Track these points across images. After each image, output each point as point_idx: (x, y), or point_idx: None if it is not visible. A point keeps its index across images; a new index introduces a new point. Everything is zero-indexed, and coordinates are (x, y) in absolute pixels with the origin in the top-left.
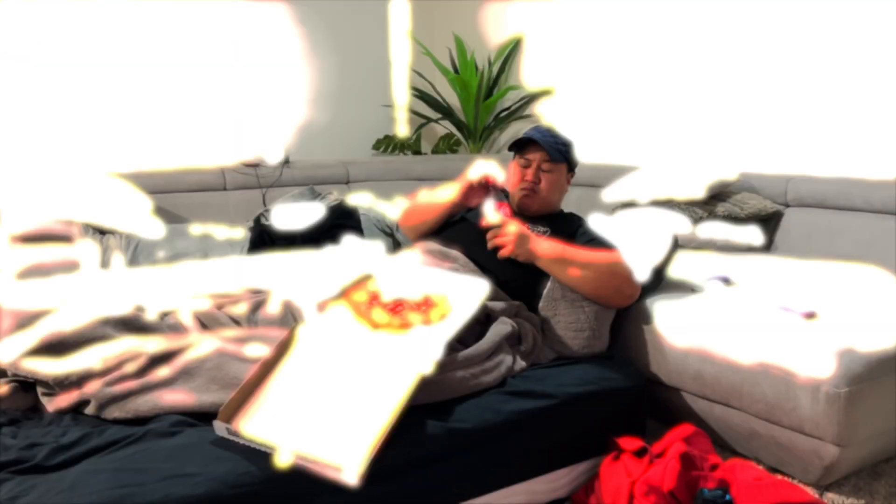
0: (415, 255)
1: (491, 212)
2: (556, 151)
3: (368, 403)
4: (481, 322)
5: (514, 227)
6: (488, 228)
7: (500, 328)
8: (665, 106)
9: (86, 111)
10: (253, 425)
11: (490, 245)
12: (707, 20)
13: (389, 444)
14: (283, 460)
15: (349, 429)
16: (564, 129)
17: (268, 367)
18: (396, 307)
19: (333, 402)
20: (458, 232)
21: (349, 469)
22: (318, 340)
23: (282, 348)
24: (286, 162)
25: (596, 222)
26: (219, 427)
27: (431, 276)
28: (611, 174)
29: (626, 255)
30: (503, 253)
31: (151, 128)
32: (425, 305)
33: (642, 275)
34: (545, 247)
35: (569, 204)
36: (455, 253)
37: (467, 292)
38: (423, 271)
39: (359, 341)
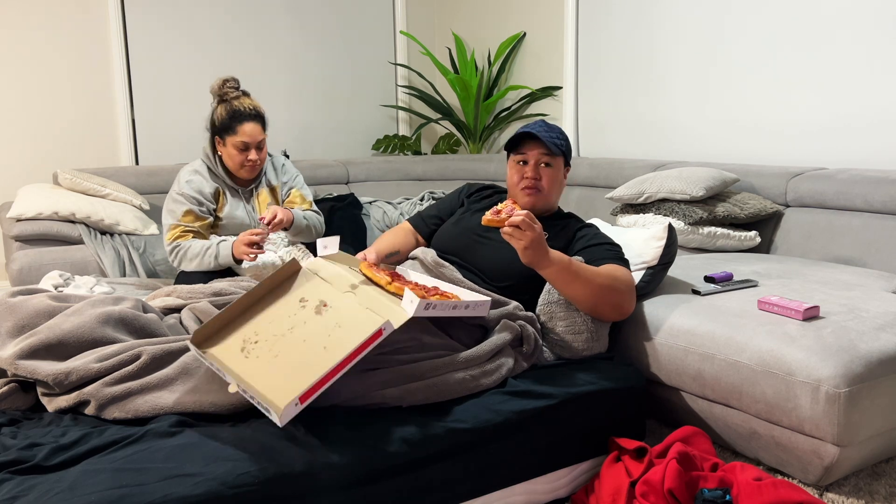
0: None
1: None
2: (554, 145)
3: (327, 351)
4: (482, 324)
5: (533, 233)
6: (487, 230)
7: (502, 330)
8: (668, 104)
9: None
10: (220, 352)
11: (506, 230)
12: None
13: (389, 442)
14: (232, 388)
15: (295, 371)
16: (567, 126)
17: (251, 299)
18: (414, 285)
19: (297, 343)
20: (457, 233)
21: (275, 407)
22: (312, 282)
23: (278, 279)
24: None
25: (596, 224)
26: (191, 346)
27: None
28: (612, 172)
29: (625, 263)
30: (518, 243)
31: (153, 127)
32: (435, 292)
33: (638, 278)
34: (555, 257)
35: (568, 203)
36: (447, 265)
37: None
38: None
39: (350, 291)
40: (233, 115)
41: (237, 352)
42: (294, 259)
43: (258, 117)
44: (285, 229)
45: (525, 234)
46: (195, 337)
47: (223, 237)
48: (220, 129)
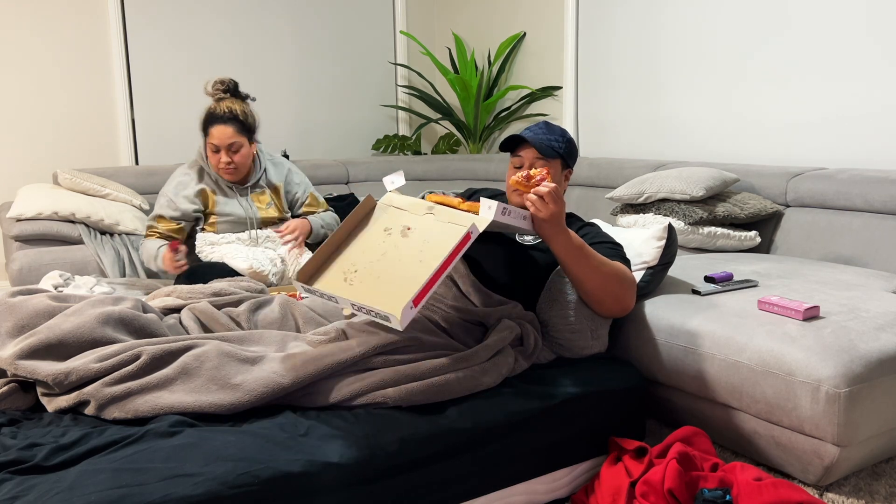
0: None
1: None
2: (548, 148)
3: (423, 263)
4: (482, 323)
5: (554, 206)
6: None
7: (502, 329)
8: (669, 103)
9: None
10: (324, 285)
11: (530, 196)
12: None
13: (389, 442)
14: (346, 311)
15: (400, 283)
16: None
17: (338, 239)
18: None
19: (393, 263)
20: None
21: (393, 315)
22: (389, 213)
23: (358, 216)
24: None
25: (597, 224)
26: (297, 285)
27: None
28: (612, 172)
29: (627, 263)
30: (538, 213)
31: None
32: None
33: (638, 278)
34: (570, 234)
35: (568, 203)
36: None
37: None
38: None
39: (428, 212)
40: (207, 117)
41: (341, 282)
42: (369, 196)
43: (231, 120)
44: (307, 244)
45: (547, 207)
46: (300, 275)
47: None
48: (202, 131)
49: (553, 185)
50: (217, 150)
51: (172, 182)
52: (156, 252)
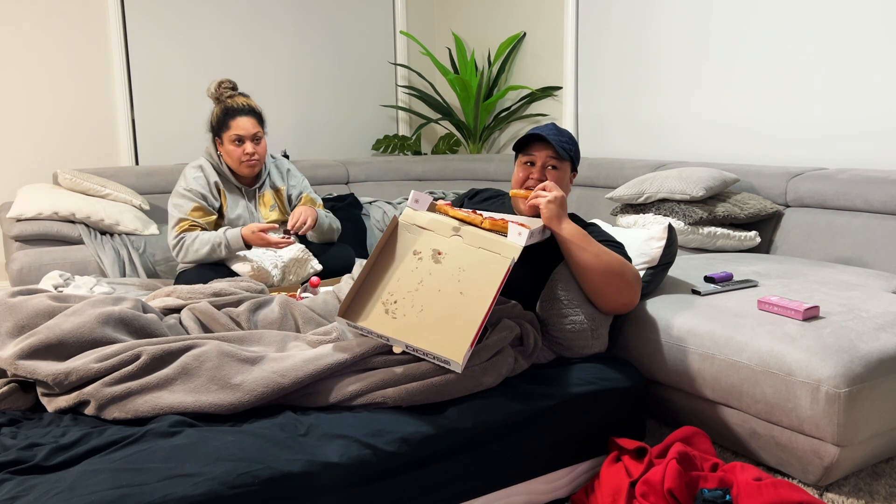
0: None
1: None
2: (562, 148)
3: (465, 296)
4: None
5: (558, 192)
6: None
7: (502, 329)
8: (667, 102)
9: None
10: (369, 322)
11: (531, 197)
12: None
13: (389, 442)
14: (398, 349)
15: (449, 320)
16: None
17: (368, 266)
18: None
19: (433, 293)
20: None
21: (454, 361)
22: (415, 234)
23: (384, 238)
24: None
25: (598, 224)
26: (340, 321)
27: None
28: (612, 172)
29: (629, 261)
30: (546, 198)
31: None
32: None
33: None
34: (574, 224)
35: (568, 204)
36: None
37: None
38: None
39: (455, 234)
40: (226, 112)
41: (383, 315)
42: (394, 217)
43: (252, 112)
44: (300, 237)
45: (550, 192)
46: (341, 312)
47: (226, 227)
48: (217, 129)
49: (551, 181)
50: (241, 142)
51: (189, 177)
52: (222, 236)
